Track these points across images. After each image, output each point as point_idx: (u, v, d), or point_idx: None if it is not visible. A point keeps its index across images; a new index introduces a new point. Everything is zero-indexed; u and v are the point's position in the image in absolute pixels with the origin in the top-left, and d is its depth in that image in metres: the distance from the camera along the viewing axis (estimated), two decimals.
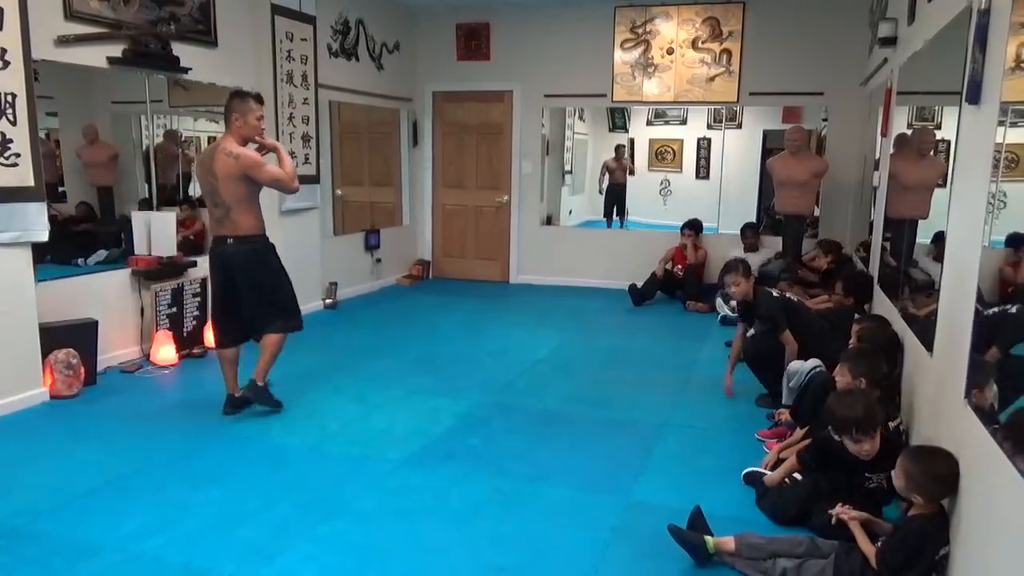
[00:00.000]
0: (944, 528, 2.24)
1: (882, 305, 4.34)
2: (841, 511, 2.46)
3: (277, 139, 5.75)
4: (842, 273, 4.78)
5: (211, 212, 3.78)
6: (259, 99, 3.79)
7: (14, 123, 3.78)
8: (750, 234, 7.01)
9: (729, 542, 2.52)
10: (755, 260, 6.82)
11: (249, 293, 3.81)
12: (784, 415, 3.68)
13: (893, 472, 2.36)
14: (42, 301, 4.08)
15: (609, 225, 8.73)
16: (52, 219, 4.12)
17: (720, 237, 7.41)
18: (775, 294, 4.20)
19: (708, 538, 2.54)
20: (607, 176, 9.01)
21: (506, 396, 4.36)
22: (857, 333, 3.52)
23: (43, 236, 4.00)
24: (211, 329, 4.11)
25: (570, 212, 8.90)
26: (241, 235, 3.74)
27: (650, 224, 8.30)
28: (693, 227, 7.22)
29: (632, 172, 9.05)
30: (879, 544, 2.33)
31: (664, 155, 9.11)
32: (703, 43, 7.23)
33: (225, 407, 3.92)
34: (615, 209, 8.89)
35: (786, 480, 2.98)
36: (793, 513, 2.82)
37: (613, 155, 8.97)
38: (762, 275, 6.56)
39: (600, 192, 9.10)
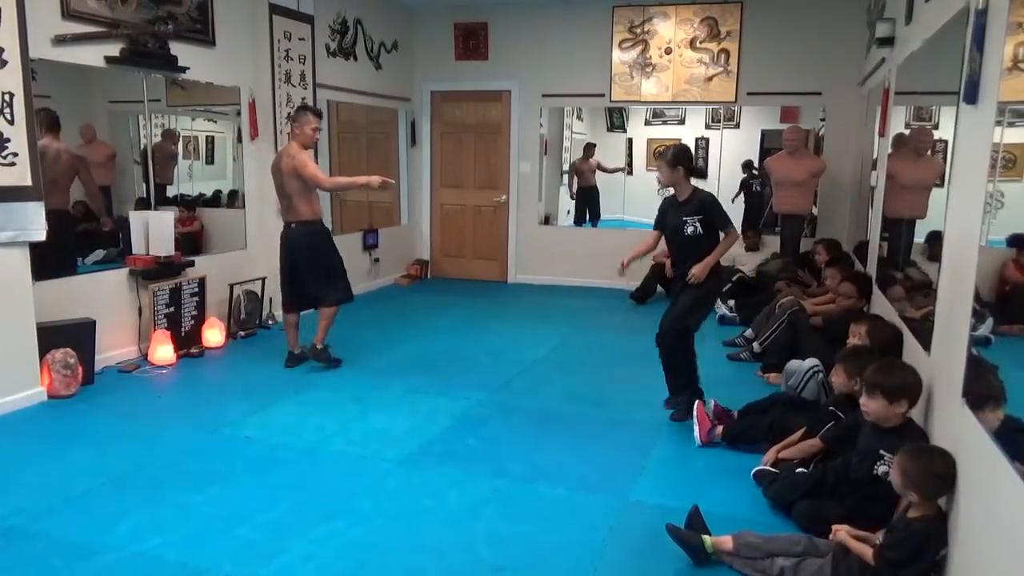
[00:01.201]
0: (944, 529, 2.24)
1: (880, 305, 4.34)
2: (837, 529, 2.47)
3: (275, 137, 5.78)
4: (849, 274, 4.77)
5: (280, 202, 4.73)
6: (316, 113, 4.72)
7: (11, 122, 3.77)
8: (751, 234, 7.02)
9: (727, 541, 2.52)
10: (756, 259, 6.85)
11: (307, 268, 4.66)
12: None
13: (891, 469, 2.36)
14: (40, 301, 4.08)
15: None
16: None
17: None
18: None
19: (706, 537, 2.54)
20: (575, 179, 8.76)
21: (504, 396, 4.36)
22: (866, 333, 3.52)
23: (40, 236, 3.99)
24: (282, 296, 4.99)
25: (568, 212, 8.89)
26: (301, 220, 4.63)
27: (648, 224, 8.28)
28: None
29: (606, 170, 8.70)
30: (879, 542, 2.33)
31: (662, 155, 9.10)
32: (701, 43, 7.23)
33: (286, 362, 4.82)
34: (587, 213, 8.66)
35: (802, 470, 3.00)
36: (793, 500, 2.85)
37: (581, 155, 8.69)
38: (761, 275, 6.59)
39: (572, 197, 8.84)
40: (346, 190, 4.96)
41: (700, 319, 3.90)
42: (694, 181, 3.94)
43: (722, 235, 3.79)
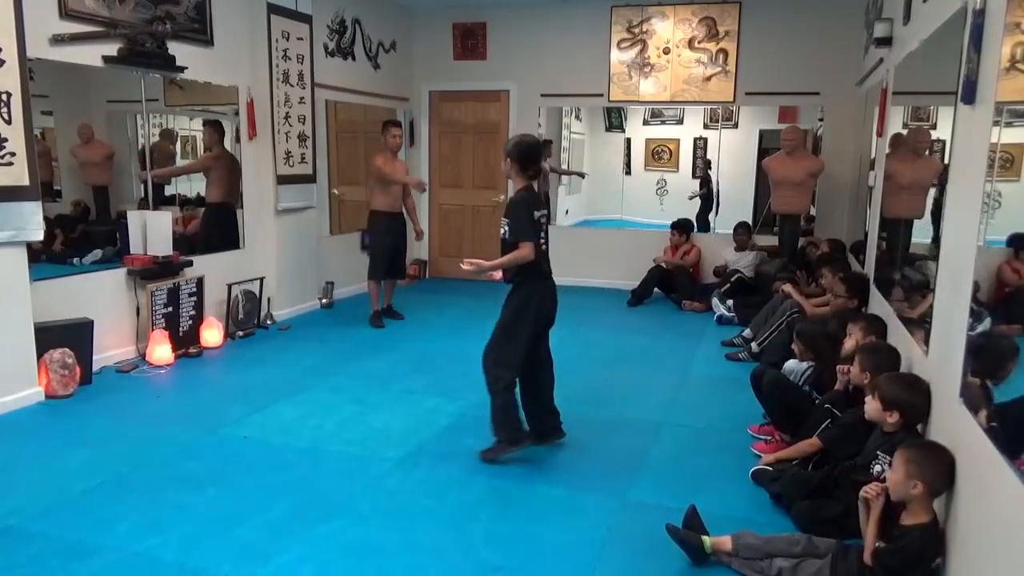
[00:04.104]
0: (940, 539, 2.24)
1: (878, 305, 4.34)
2: (869, 489, 2.39)
3: (273, 137, 5.78)
4: (841, 274, 4.78)
5: None
6: (395, 124, 6.11)
7: (9, 122, 3.77)
8: (742, 232, 7.03)
9: (726, 542, 2.53)
10: (747, 259, 6.87)
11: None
12: None
13: (891, 469, 2.35)
14: (37, 300, 4.07)
15: None
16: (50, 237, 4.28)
17: (715, 237, 7.43)
18: (531, 213, 3.32)
19: (705, 538, 2.55)
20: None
21: None
22: (861, 330, 3.54)
23: (38, 235, 3.99)
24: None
25: (567, 212, 8.89)
26: (370, 209, 6.05)
27: (646, 224, 8.30)
28: (680, 227, 7.24)
29: (559, 172, 8.26)
30: (878, 546, 2.32)
31: (660, 155, 9.12)
32: (699, 43, 7.24)
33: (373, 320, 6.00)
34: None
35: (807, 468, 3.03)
36: (800, 496, 2.86)
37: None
38: (759, 275, 6.59)
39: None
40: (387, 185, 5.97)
41: (503, 350, 3.46)
42: (694, 180, 3.82)
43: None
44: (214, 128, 5.78)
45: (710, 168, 8.35)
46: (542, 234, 3.41)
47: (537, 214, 3.38)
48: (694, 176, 8.88)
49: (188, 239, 5.56)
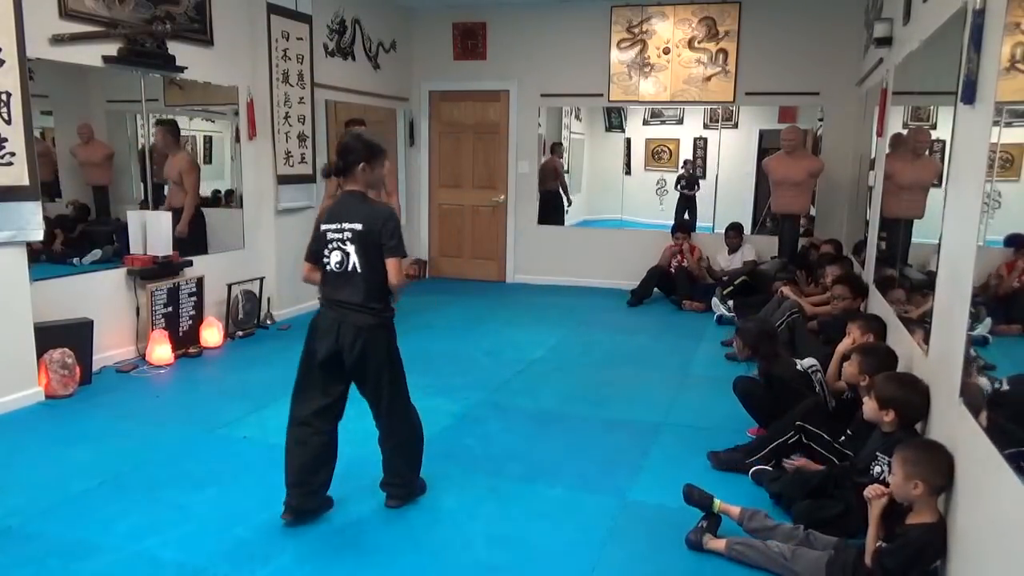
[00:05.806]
0: (943, 539, 2.23)
1: (878, 305, 4.34)
2: (871, 489, 2.40)
3: (273, 137, 5.78)
4: (841, 276, 4.78)
5: None
6: (357, 123, 5.62)
7: (9, 122, 3.77)
8: (733, 234, 7.05)
9: (735, 510, 2.67)
10: (736, 259, 6.92)
11: None
12: None
13: (890, 468, 2.35)
14: (37, 300, 4.08)
15: None
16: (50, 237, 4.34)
17: (716, 237, 7.42)
18: (319, 228, 2.79)
19: (716, 500, 2.70)
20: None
21: (502, 396, 4.35)
22: (858, 328, 3.54)
23: (38, 235, 3.99)
24: None
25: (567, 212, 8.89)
26: None
27: (646, 224, 8.31)
28: (682, 228, 7.25)
29: (562, 179, 8.35)
30: (879, 545, 2.32)
31: (660, 155, 9.11)
32: (699, 43, 7.23)
33: None
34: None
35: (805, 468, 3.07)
36: (800, 497, 2.87)
37: (548, 154, 8.16)
38: (758, 275, 6.59)
39: (568, 204, 8.48)
40: None
41: None
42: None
43: None
44: (168, 129, 5.34)
45: (695, 168, 8.46)
46: (327, 252, 2.75)
47: (325, 227, 2.76)
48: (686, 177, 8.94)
49: (183, 241, 5.57)
